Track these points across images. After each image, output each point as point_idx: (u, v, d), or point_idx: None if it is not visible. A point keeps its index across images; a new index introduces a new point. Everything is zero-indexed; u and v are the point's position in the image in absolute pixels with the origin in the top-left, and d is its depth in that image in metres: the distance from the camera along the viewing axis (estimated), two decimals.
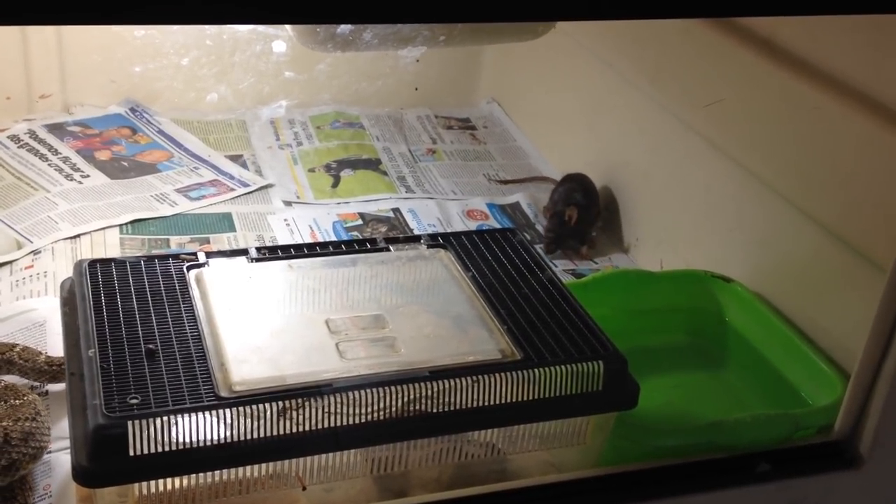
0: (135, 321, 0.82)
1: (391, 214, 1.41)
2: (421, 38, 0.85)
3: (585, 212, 1.32)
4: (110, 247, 1.25)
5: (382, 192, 1.47)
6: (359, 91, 1.57)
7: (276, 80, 1.37)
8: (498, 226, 1.40)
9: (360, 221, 1.39)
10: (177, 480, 0.76)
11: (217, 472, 0.76)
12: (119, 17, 0.59)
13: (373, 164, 1.55)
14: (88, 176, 1.40)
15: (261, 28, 1.06)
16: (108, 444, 0.71)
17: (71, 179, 1.38)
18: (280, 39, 0.87)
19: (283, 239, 1.32)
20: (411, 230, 1.37)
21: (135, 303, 0.84)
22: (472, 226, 1.40)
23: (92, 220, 1.29)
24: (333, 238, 1.33)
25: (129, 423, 0.71)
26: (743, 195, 1.12)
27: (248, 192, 1.42)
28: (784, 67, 1.03)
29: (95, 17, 0.60)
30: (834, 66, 0.98)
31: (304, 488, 0.79)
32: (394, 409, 0.79)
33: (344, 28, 0.80)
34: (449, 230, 1.37)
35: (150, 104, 1.59)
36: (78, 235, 1.26)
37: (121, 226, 1.29)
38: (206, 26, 1.17)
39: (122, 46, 1.51)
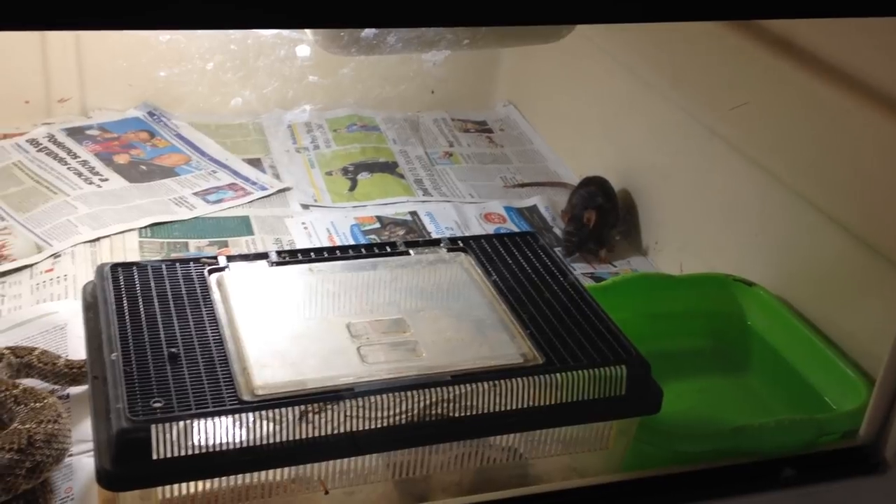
0: (157, 325, 0.82)
1: (409, 218, 1.41)
2: (445, 42, 0.85)
3: (604, 215, 1.31)
4: (130, 250, 1.25)
5: (400, 195, 1.47)
6: (381, 95, 1.57)
7: (299, 85, 1.37)
8: (515, 229, 1.40)
9: (377, 225, 1.39)
10: (199, 484, 0.76)
11: (239, 476, 0.76)
12: (142, 21, 0.59)
13: (390, 168, 1.55)
14: (107, 179, 1.40)
15: (285, 32, 1.06)
16: (131, 447, 0.71)
17: (90, 183, 1.39)
18: (304, 44, 0.87)
19: (301, 242, 1.32)
20: (429, 233, 1.37)
21: (157, 306, 0.84)
22: (490, 229, 1.40)
23: (111, 223, 1.29)
24: (351, 241, 1.33)
25: (153, 426, 0.71)
26: (765, 198, 1.11)
27: (266, 196, 1.42)
28: (807, 70, 1.03)
29: (116, 23, 0.60)
30: (857, 68, 0.98)
31: (326, 492, 0.79)
32: (416, 413, 0.78)
33: (368, 32, 0.80)
34: (467, 233, 1.37)
35: (168, 108, 1.59)
36: (98, 239, 1.26)
37: (140, 229, 1.30)
38: (231, 31, 1.18)
39: (142, 51, 1.52)
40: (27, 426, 0.84)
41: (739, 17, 0.97)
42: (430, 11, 0.49)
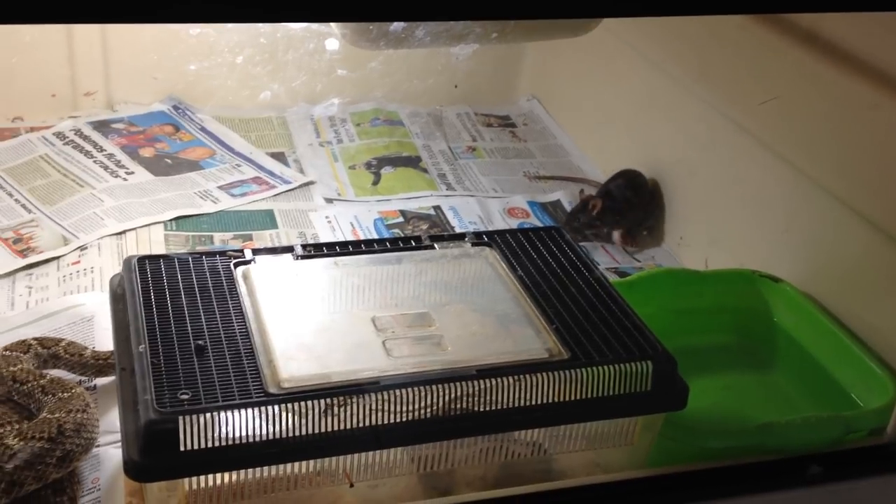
0: (184, 317, 0.83)
1: (432, 212, 1.41)
2: (473, 36, 0.84)
3: (621, 206, 1.32)
4: (155, 243, 1.26)
5: (423, 189, 1.47)
6: (409, 89, 1.57)
7: (328, 78, 1.37)
8: (539, 224, 1.40)
9: (401, 219, 1.39)
10: (225, 476, 0.76)
11: (264, 469, 0.76)
12: (173, 15, 0.59)
13: (413, 162, 1.54)
14: (133, 173, 1.41)
15: (314, 26, 1.06)
16: (159, 439, 0.71)
17: (116, 176, 1.40)
18: (333, 37, 0.87)
19: (325, 236, 1.32)
20: (452, 228, 1.37)
21: (183, 299, 0.85)
22: (514, 224, 1.40)
23: (137, 216, 1.30)
24: (375, 235, 1.33)
25: (181, 418, 0.72)
26: (792, 193, 1.10)
27: (290, 190, 1.43)
28: (834, 64, 1.01)
29: (143, 17, 0.60)
30: (886, 62, 0.97)
31: (351, 485, 0.79)
32: (441, 407, 0.78)
33: (396, 25, 0.80)
34: (490, 228, 1.37)
35: (194, 101, 1.60)
36: (123, 231, 1.27)
37: (165, 222, 1.30)
38: (261, 25, 1.18)
39: (167, 44, 1.52)
40: (56, 415, 0.85)
41: (767, 10, 0.96)
42: (461, 5, 0.48)
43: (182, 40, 1.48)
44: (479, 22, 0.81)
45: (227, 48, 1.34)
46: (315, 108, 1.58)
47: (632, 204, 1.33)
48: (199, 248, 1.26)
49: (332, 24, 0.94)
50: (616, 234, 1.34)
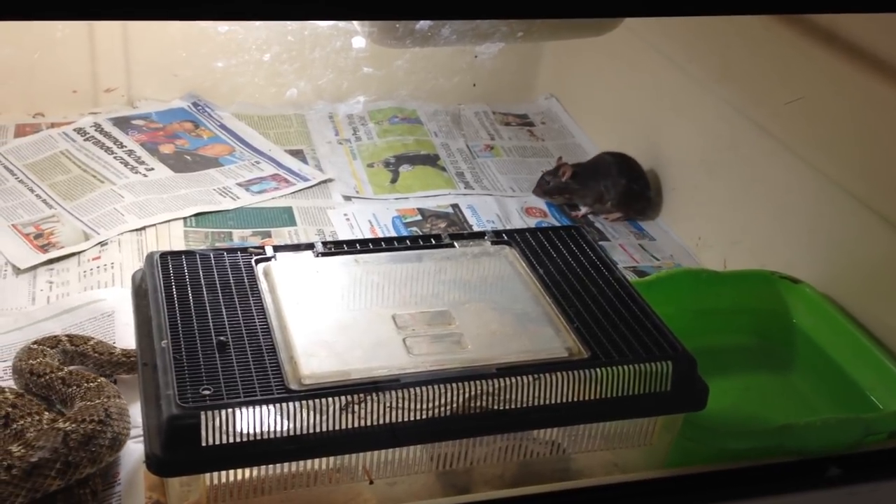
0: (206, 313, 0.83)
1: (450, 210, 1.41)
2: (499, 34, 0.84)
3: (590, 178, 1.40)
4: (175, 239, 1.27)
5: (441, 187, 1.47)
6: (427, 88, 1.57)
7: (353, 76, 1.37)
8: (556, 223, 1.40)
9: (419, 217, 1.39)
10: (245, 471, 0.76)
11: (284, 464, 0.77)
12: (201, 12, 0.59)
13: (431, 160, 1.55)
14: (153, 169, 1.42)
15: (341, 24, 1.06)
16: (181, 433, 0.72)
17: (136, 172, 1.40)
18: (360, 36, 0.87)
19: (343, 233, 1.33)
20: (470, 226, 1.37)
21: (205, 295, 0.85)
22: (531, 223, 1.40)
23: (157, 212, 1.31)
24: (393, 233, 1.34)
25: (203, 413, 0.72)
26: (813, 194, 1.10)
27: (309, 187, 1.43)
28: (857, 66, 1.01)
29: (166, 13, 0.61)
30: None
31: (371, 482, 0.79)
32: (460, 405, 0.79)
33: (423, 24, 0.80)
34: (508, 226, 1.37)
35: (213, 99, 1.61)
36: (144, 228, 1.28)
37: (185, 218, 1.31)
38: (289, 22, 1.18)
39: (187, 41, 1.53)
40: (98, 401, 0.86)
41: (794, 10, 0.96)
42: (491, 4, 0.48)
43: (210, 37, 1.48)
44: (506, 21, 0.81)
45: (255, 45, 1.35)
46: (335, 106, 1.59)
47: (606, 178, 1.39)
48: (220, 245, 1.26)
49: (355, 23, 0.94)
50: (583, 204, 1.43)
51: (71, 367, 0.95)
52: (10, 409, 0.87)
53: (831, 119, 1.06)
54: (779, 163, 1.15)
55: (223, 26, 1.30)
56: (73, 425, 0.82)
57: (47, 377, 0.92)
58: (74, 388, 0.90)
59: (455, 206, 1.42)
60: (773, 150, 1.15)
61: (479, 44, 0.90)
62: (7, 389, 0.90)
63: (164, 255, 0.90)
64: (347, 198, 1.42)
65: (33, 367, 0.94)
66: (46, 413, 0.88)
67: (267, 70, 1.50)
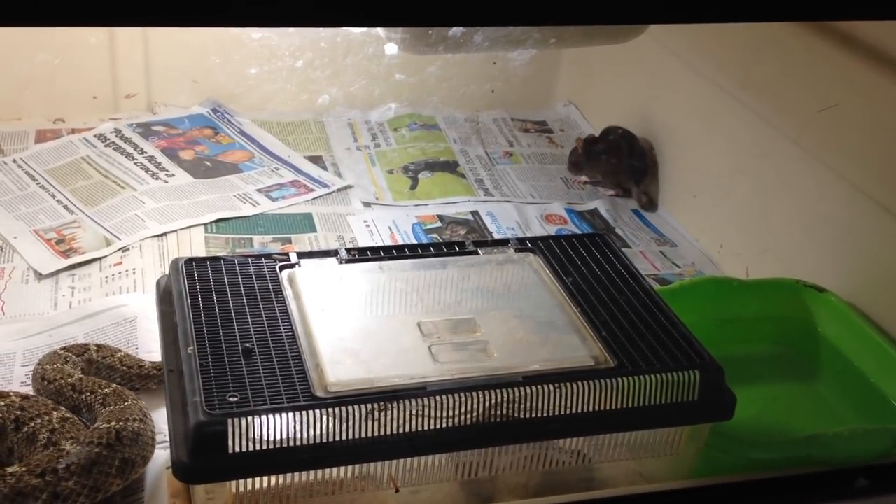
0: (231, 319, 0.83)
1: (470, 217, 1.41)
2: (531, 41, 0.84)
3: (599, 151, 1.47)
4: (196, 245, 1.27)
5: (460, 194, 1.47)
6: (445, 94, 1.57)
7: (386, 83, 1.37)
8: (577, 231, 1.39)
9: (439, 224, 1.39)
10: (270, 479, 0.76)
11: (309, 472, 0.77)
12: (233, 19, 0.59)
13: (450, 167, 1.55)
14: (173, 175, 1.42)
15: (374, 30, 1.06)
16: (208, 441, 0.72)
17: (156, 178, 1.41)
18: (392, 42, 0.88)
19: (363, 240, 1.33)
20: (490, 233, 1.37)
21: (230, 301, 0.85)
22: (551, 230, 1.39)
23: (178, 218, 1.31)
24: (413, 240, 1.34)
25: (229, 420, 0.72)
26: (837, 202, 1.09)
27: (328, 193, 1.43)
28: (886, 74, 1.00)
29: (192, 20, 0.61)
30: None
31: (396, 490, 0.79)
32: (486, 413, 0.78)
33: (455, 30, 0.80)
34: (528, 234, 1.36)
35: (233, 104, 1.61)
36: (165, 234, 1.28)
37: (205, 224, 1.31)
38: (322, 29, 1.19)
39: (207, 47, 1.54)
40: (129, 402, 0.88)
41: (824, 17, 0.95)
42: (529, 10, 0.48)
43: (235, 44, 1.48)
44: (538, 27, 0.81)
45: (288, 52, 1.35)
46: (353, 113, 1.59)
47: (608, 153, 1.46)
48: (243, 251, 1.26)
49: (380, 30, 0.94)
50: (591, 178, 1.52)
51: (82, 376, 0.95)
52: (18, 413, 0.87)
53: (858, 127, 1.06)
54: (804, 170, 1.14)
55: (256, 33, 1.31)
56: (121, 423, 0.84)
57: (57, 383, 0.92)
58: (87, 394, 0.90)
59: (475, 212, 1.42)
60: (798, 158, 1.15)
61: (511, 50, 0.90)
62: (12, 393, 0.89)
63: (188, 261, 0.90)
64: (367, 204, 1.42)
65: (45, 373, 0.94)
66: (55, 412, 0.87)
67: (291, 77, 1.50)
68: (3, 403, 0.87)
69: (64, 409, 0.89)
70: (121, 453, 0.82)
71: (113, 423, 0.83)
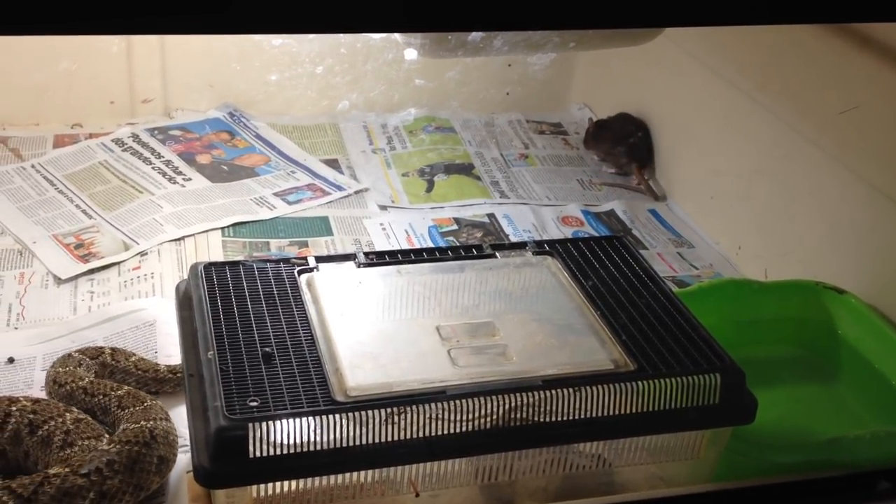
0: (250, 324, 0.83)
1: (486, 220, 1.41)
2: (551, 45, 0.84)
3: (607, 134, 1.57)
4: (213, 249, 1.27)
5: (476, 196, 1.47)
6: (460, 97, 1.57)
7: (406, 88, 1.37)
8: (594, 233, 1.39)
9: (455, 226, 1.39)
10: (291, 483, 0.76)
11: (329, 476, 0.77)
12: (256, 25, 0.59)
13: (466, 169, 1.54)
14: (190, 179, 1.43)
15: (393, 35, 1.06)
16: (229, 445, 0.72)
17: (174, 182, 1.41)
18: (412, 47, 0.88)
19: (380, 243, 1.33)
20: (506, 236, 1.37)
21: (249, 306, 0.86)
22: (568, 232, 1.39)
23: (195, 222, 1.32)
24: (429, 243, 1.34)
25: (250, 425, 0.72)
26: (857, 203, 1.09)
27: (344, 196, 1.43)
28: None
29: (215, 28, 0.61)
30: None
31: (417, 494, 0.79)
32: (506, 417, 0.78)
33: (475, 35, 0.80)
34: (544, 236, 1.36)
35: (248, 108, 1.62)
36: (182, 238, 1.28)
37: (223, 228, 1.32)
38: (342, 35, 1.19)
39: (223, 51, 1.54)
40: (150, 402, 0.89)
41: (843, 20, 0.95)
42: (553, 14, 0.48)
43: (250, 49, 1.49)
44: (558, 31, 0.81)
45: (309, 58, 1.36)
46: (392, 117, 1.60)
47: (607, 133, 1.56)
48: (261, 255, 1.27)
49: (397, 36, 0.94)
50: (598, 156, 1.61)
51: (93, 379, 0.95)
52: (31, 416, 0.87)
53: (879, 129, 1.05)
54: (824, 172, 1.14)
55: (276, 40, 1.31)
56: (152, 422, 0.84)
57: (68, 387, 0.93)
58: (100, 397, 0.90)
59: (491, 215, 1.42)
60: (819, 160, 1.14)
61: (531, 54, 0.90)
62: (22, 398, 0.90)
63: (207, 265, 0.90)
64: (383, 207, 1.42)
65: (57, 376, 0.94)
66: (68, 414, 0.88)
67: (311, 83, 1.51)
68: (14, 408, 0.88)
69: (76, 410, 0.89)
70: (157, 451, 0.83)
71: (143, 423, 0.84)
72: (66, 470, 0.78)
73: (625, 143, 1.54)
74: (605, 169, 1.57)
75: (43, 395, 0.97)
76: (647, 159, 1.54)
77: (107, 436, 0.87)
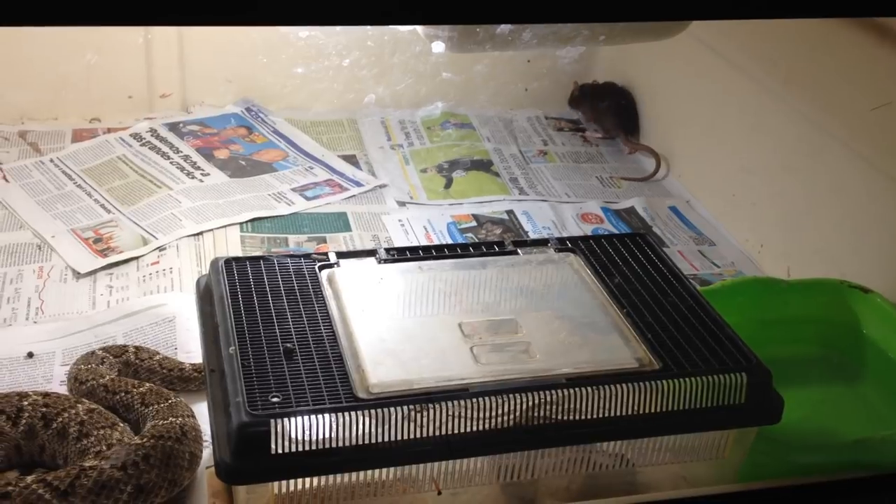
0: (271, 319, 0.83)
1: (505, 216, 1.40)
2: (580, 38, 0.83)
3: (593, 100, 1.64)
4: (231, 244, 1.27)
5: (495, 193, 1.46)
6: (479, 93, 1.56)
7: (433, 81, 1.36)
8: (614, 230, 1.38)
9: (474, 223, 1.38)
10: (312, 480, 0.76)
11: (350, 473, 0.76)
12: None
13: (484, 166, 1.54)
14: (209, 174, 1.42)
15: (420, 28, 1.06)
16: (251, 441, 0.71)
17: (192, 177, 1.41)
18: (439, 40, 0.87)
19: (398, 239, 1.32)
20: (526, 232, 1.36)
21: (270, 301, 0.85)
22: (588, 229, 1.38)
23: (214, 217, 1.31)
24: (448, 239, 1.33)
25: (272, 421, 0.72)
26: (885, 202, 1.07)
27: (363, 192, 1.43)
28: None
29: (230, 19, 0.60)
30: None
31: (439, 492, 0.78)
32: (529, 415, 0.77)
33: (504, 28, 0.79)
34: (564, 233, 1.35)
35: (266, 103, 1.61)
36: (201, 233, 1.28)
37: (241, 224, 1.31)
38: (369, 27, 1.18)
39: (240, 46, 1.54)
40: (174, 399, 0.89)
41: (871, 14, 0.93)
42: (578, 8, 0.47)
43: (289, 42, 1.48)
44: (588, 24, 0.80)
45: (335, 50, 1.35)
46: (419, 112, 1.59)
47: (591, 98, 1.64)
48: (280, 250, 1.26)
49: (419, 29, 0.94)
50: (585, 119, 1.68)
51: (115, 376, 0.95)
52: (44, 410, 0.87)
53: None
54: (851, 171, 1.12)
55: (304, 31, 1.30)
56: (181, 419, 0.84)
57: (90, 384, 0.92)
58: (122, 394, 0.90)
59: (510, 212, 1.41)
60: (846, 158, 1.13)
61: (560, 47, 0.89)
62: (32, 392, 0.90)
63: (228, 260, 0.90)
64: (402, 203, 1.42)
65: (79, 373, 0.94)
66: (80, 405, 0.87)
67: (334, 74, 1.50)
68: (26, 403, 0.88)
69: (87, 400, 0.89)
70: (188, 447, 0.83)
71: (172, 419, 0.84)
72: (103, 463, 0.78)
73: (611, 103, 1.60)
74: (592, 134, 1.64)
75: (62, 390, 0.97)
76: (633, 126, 1.60)
77: (121, 424, 0.87)
